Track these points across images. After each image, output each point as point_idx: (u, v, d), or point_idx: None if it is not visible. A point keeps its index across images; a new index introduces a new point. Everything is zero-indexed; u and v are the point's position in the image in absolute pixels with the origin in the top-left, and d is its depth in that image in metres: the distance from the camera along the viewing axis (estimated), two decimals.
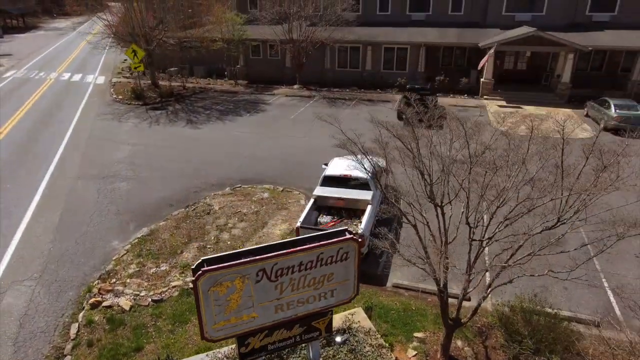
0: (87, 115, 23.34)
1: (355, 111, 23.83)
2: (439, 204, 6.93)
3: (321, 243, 5.50)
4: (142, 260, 10.85)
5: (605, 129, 19.86)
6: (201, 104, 25.70)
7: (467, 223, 6.80)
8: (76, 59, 40.49)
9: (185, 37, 30.37)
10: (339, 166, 12.56)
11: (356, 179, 11.66)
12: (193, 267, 5.13)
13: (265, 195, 14.19)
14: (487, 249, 7.38)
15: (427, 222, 7.07)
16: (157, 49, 28.35)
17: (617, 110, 19.35)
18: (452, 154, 7.55)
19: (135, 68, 25.26)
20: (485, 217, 6.98)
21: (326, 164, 13.68)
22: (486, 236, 6.85)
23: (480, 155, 7.08)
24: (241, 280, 5.19)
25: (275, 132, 20.54)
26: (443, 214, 6.90)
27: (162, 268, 10.53)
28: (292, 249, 5.37)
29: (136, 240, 11.69)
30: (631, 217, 6.46)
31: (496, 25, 28.77)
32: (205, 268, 4.99)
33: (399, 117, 21.53)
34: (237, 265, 5.11)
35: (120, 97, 26.96)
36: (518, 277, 6.56)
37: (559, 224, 6.35)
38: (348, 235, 5.71)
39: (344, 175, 11.83)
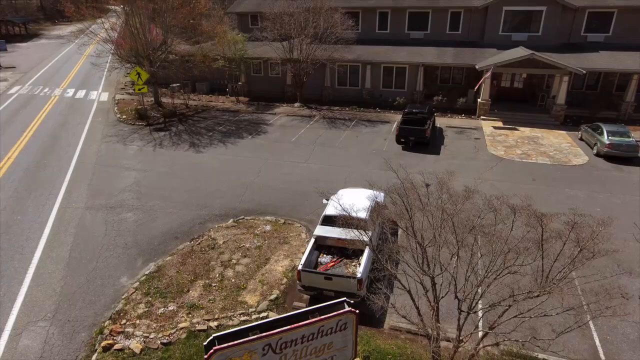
0: (93, 138, 23.86)
1: (354, 133, 24.34)
2: (431, 275, 7.42)
3: (322, 318, 6.01)
4: (150, 299, 11.35)
5: (598, 155, 20.41)
6: (203, 125, 26.22)
7: (456, 297, 7.27)
8: (79, 72, 41.05)
9: (188, 54, 31.00)
10: (341, 201, 13.05)
11: (355, 219, 12.15)
12: (205, 344, 5.64)
13: (268, 228, 14.71)
14: (479, 304, 7.87)
15: (426, 290, 7.51)
16: (161, 70, 28.83)
17: (610, 137, 19.87)
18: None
19: (140, 90, 25.82)
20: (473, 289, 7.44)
21: (327, 199, 14.17)
22: (475, 306, 7.32)
23: (470, 230, 7.49)
24: (249, 355, 5.70)
25: (277, 157, 21.04)
26: (434, 284, 7.39)
27: (169, 308, 11.03)
28: (295, 325, 5.88)
29: (144, 277, 12.20)
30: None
31: (493, 45, 29.34)
32: (217, 347, 5.50)
33: (398, 141, 22.09)
34: (246, 342, 5.62)
35: (124, 116, 27.49)
36: (504, 340, 7.05)
37: (541, 294, 6.84)
38: (347, 308, 6.22)
39: (343, 215, 12.30)
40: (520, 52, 26.12)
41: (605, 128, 20.51)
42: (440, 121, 26.22)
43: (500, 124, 25.85)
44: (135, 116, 27.20)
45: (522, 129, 24.85)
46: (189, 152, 21.88)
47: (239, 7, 37.07)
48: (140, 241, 14.06)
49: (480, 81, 25.60)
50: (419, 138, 21.27)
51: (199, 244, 13.83)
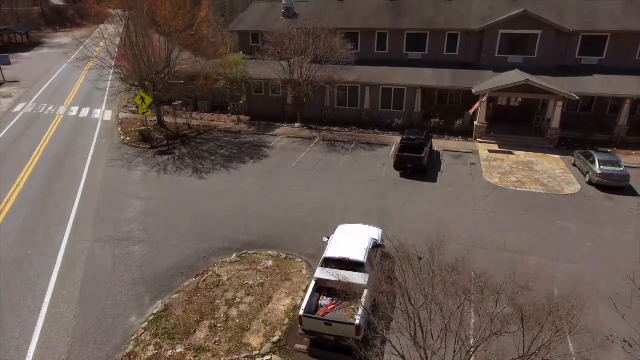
0: (98, 162, 24.43)
1: (353, 158, 24.93)
2: (424, 347, 7.97)
3: None
4: (159, 340, 11.91)
5: (590, 183, 21.01)
6: (206, 148, 26.80)
7: None
8: (82, 87, 41.58)
9: (191, 75, 31.57)
10: (340, 243, 13.64)
11: (353, 262, 12.77)
12: None
13: (270, 263, 15.28)
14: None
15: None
16: (164, 92, 29.36)
17: (602, 167, 20.46)
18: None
19: (144, 113, 26.41)
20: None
21: (327, 237, 14.76)
22: None
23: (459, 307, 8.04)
24: None
25: (278, 184, 21.62)
26: (426, 356, 7.94)
27: (177, 350, 11.60)
28: None
29: (152, 317, 12.76)
30: None
31: (489, 67, 29.95)
32: None
33: (396, 168, 22.67)
34: None
35: (128, 138, 28.06)
36: None
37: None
38: None
39: (342, 258, 12.90)
40: (515, 76, 26.75)
41: (597, 157, 21.11)
42: (438, 144, 26.83)
43: (496, 147, 26.45)
44: (139, 138, 27.77)
45: (517, 153, 25.44)
46: (192, 179, 22.44)
47: (240, 25, 37.68)
48: (147, 277, 14.63)
49: (476, 106, 26.19)
50: (417, 166, 21.86)
51: (204, 280, 14.40)
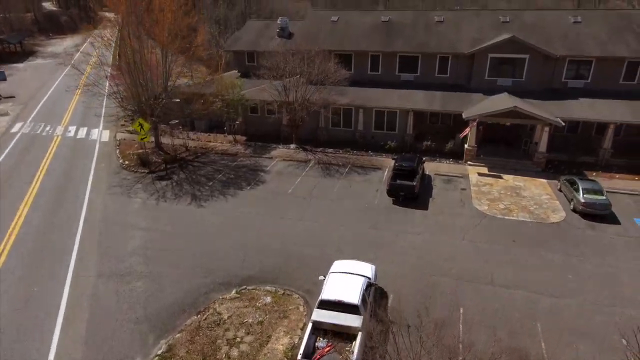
0: (98, 189, 24.95)
1: (347, 183, 25.65)
2: None
3: None
4: None
5: (574, 211, 21.89)
6: (203, 172, 27.39)
7: None
8: (79, 103, 41.86)
9: (188, 96, 32.18)
10: (335, 284, 14.34)
11: (348, 304, 13.48)
12: None
13: (268, 299, 15.96)
14: None
15: None
16: (162, 115, 29.89)
17: (585, 195, 21.34)
18: None
19: (142, 139, 26.96)
20: None
21: (323, 276, 15.45)
22: None
23: None
24: None
25: (274, 212, 22.28)
26: None
27: None
28: None
29: (157, 359, 13.39)
30: None
31: (479, 89, 30.84)
32: None
33: (389, 194, 23.42)
34: None
35: (126, 162, 28.56)
36: None
37: None
38: None
39: (337, 301, 13.61)
40: (504, 102, 27.64)
41: (581, 185, 21.99)
42: (430, 167, 27.63)
43: (485, 170, 27.30)
44: (138, 162, 28.29)
45: (506, 177, 26.30)
46: (190, 207, 23.05)
47: (235, 45, 38.30)
48: (150, 315, 15.25)
49: (466, 131, 27.05)
50: (408, 194, 22.64)
51: (205, 319, 15.05)
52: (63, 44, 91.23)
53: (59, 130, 34.91)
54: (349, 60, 33.66)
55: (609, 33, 30.49)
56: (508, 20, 33.35)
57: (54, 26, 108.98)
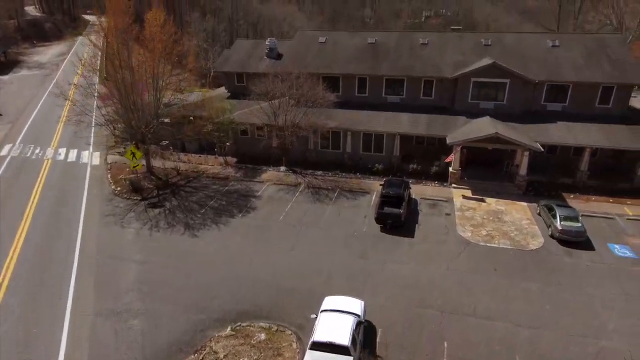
0: (92, 218, 25.30)
1: (336, 209, 26.43)
2: None
3: None
4: None
5: (552, 237, 23.04)
6: (195, 198, 27.91)
7: None
8: (68, 121, 41.74)
9: (179, 119, 32.63)
10: (326, 324, 15.12)
11: (338, 345, 14.28)
12: None
13: (262, 336, 16.65)
14: None
15: None
16: (153, 139, 30.30)
17: (562, 223, 22.50)
18: None
19: (134, 167, 27.39)
20: None
21: (315, 315, 16.22)
22: None
23: None
24: None
25: (266, 243, 22.90)
26: None
27: None
28: None
29: None
30: None
31: (463, 111, 31.95)
32: None
33: (377, 221, 24.28)
34: None
35: (118, 188, 28.91)
36: None
37: None
38: None
39: (329, 342, 14.39)
40: (486, 127, 28.76)
41: (558, 212, 23.14)
42: (416, 190, 28.56)
43: (469, 193, 28.37)
44: (129, 188, 28.67)
45: (488, 200, 27.39)
46: (184, 237, 23.58)
47: (224, 66, 38.85)
48: (148, 356, 15.81)
49: (451, 157, 28.16)
50: (395, 222, 23.55)
51: (202, 358, 15.69)
52: (48, 53, 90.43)
53: (49, 152, 35.00)
54: (337, 83, 34.52)
55: (585, 57, 31.88)
56: (490, 43, 34.55)
57: (38, 33, 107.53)
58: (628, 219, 25.21)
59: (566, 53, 32.55)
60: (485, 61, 31.38)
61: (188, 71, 30.76)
